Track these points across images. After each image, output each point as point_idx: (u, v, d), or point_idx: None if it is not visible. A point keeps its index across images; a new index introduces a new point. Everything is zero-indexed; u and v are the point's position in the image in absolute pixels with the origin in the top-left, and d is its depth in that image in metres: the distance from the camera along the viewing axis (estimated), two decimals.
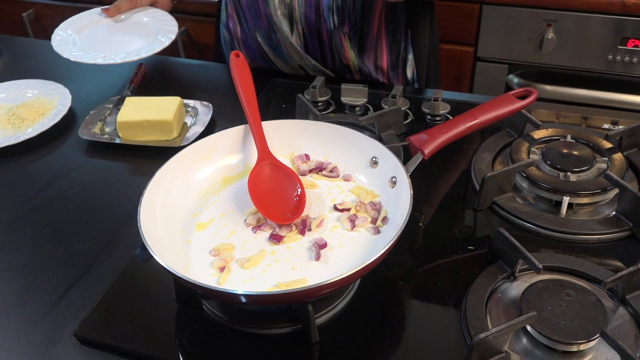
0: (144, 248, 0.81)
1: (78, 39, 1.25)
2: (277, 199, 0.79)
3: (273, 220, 0.77)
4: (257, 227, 0.78)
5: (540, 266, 0.69)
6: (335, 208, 0.80)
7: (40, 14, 2.25)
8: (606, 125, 1.03)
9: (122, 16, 1.29)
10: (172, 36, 1.22)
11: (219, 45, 1.30)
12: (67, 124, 1.11)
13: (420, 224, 0.84)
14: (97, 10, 1.30)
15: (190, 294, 0.74)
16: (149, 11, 1.30)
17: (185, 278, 0.63)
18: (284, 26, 1.11)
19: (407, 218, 0.69)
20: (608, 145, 0.92)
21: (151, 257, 0.80)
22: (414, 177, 0.76)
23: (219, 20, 1.26)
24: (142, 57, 1.17)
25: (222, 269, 0.72)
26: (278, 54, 1.16)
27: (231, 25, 1.20)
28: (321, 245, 0.74)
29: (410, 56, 1.18)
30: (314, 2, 1.08)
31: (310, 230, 0.77)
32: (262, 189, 0.80)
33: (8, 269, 0.82)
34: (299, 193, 0.80)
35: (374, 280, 0.75)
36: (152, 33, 1.25)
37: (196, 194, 0.83)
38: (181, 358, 0.69)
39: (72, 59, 1.17)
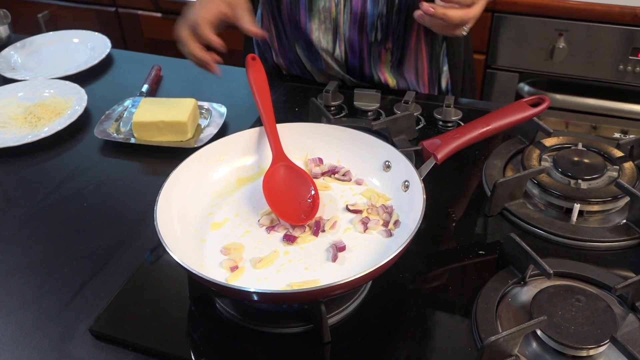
0: (152, 250, 0.83)
1: (20, 59, 1.38)
2: (291, 200, 0.80)
3: (287, 221, 0.78)
4: (271, 227, 0.79)
5: (552, 272, 0.70)
6: (347, 209, 0.81)
7: (55, 15, 2.28)
8: (616, 135, 1.03)
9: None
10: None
11: (248, 52, 1.30)
12: (82, 124, 1.13)
13: (432, 229, 0.85)
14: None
15: (203, 292, 0.75)
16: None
17: (200, 275, 0.64)
18: (324, 42, 1.12)
19: (420, 221, 0.70)
20: (619, 153, 0.92)
21: (158, 258, 0.82)
22: (425, 182, 0.77)
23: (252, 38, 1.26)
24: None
25: (232, 269, 0.73)
26: (316, 66, 1.17)
27: (267, 38, 1.21)
28: (339, 248, 0.75)
29: (445, 67, 1.19)
30: (358, 18, 1.08)
31: (323, 231, 0.78)
32: (276, 190, 0.81)
33: (24, 265, 0.84)
34: (312, 194, 0.81)
35: (385, 282, 0.76)
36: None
37: (211, 194, 0.84)
38: (193, 355, 0.70)
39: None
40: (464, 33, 0.94)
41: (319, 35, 1.11)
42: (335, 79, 1.19)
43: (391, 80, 1.16)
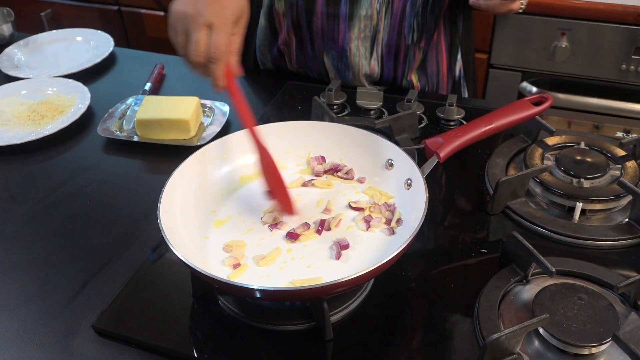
0: (154, 249, 0.83)
1: (23, 57, 1.38)
2: (285, 190, 0.81)
3: (291, 213, 0.79)
4: (274, 225, 0.79)
5: (554, 270, 0.70)
6: (350, 207, 0.81)
7: (58, 13, 2.28)
8: (619, 134, 1.04)
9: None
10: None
11: (247, 55, 1.28)
12: (85, 122, 1.13)
13: (434, 227, 0.85)
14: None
15: (206, 289, 0.75)
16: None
17: (203, 272, 0.65)
18: (362, 49, 1.11)
19: (422, 220, 0.70)
20: (622, 152, 0.92)
21: (160, 257, 0.82)
22: (428, 181, 0.77)
23: (254, 39, 1.25)
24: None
25: (235, 266, 0.73)
26: (341, 75, 1.17)
27: (283, 48, 1.20)
28: (343, 246, 0.75)
29: (459, 56, 1.20)
30: (397, 22, 1.08)
31: (329, 230, 0.78)
32: (273, 183, 0.82)
33: (28, 262, 0.84)
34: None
35: (387, 280, 0.76)
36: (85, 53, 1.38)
37: (214, 191, 0.84)
38: (196, 352, 0.70)
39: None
40: (522, 7, 0.93)
41: (358, 44, 1.11)
42: (351, 84, 1.19)
43: (415, 80, 1.17)
